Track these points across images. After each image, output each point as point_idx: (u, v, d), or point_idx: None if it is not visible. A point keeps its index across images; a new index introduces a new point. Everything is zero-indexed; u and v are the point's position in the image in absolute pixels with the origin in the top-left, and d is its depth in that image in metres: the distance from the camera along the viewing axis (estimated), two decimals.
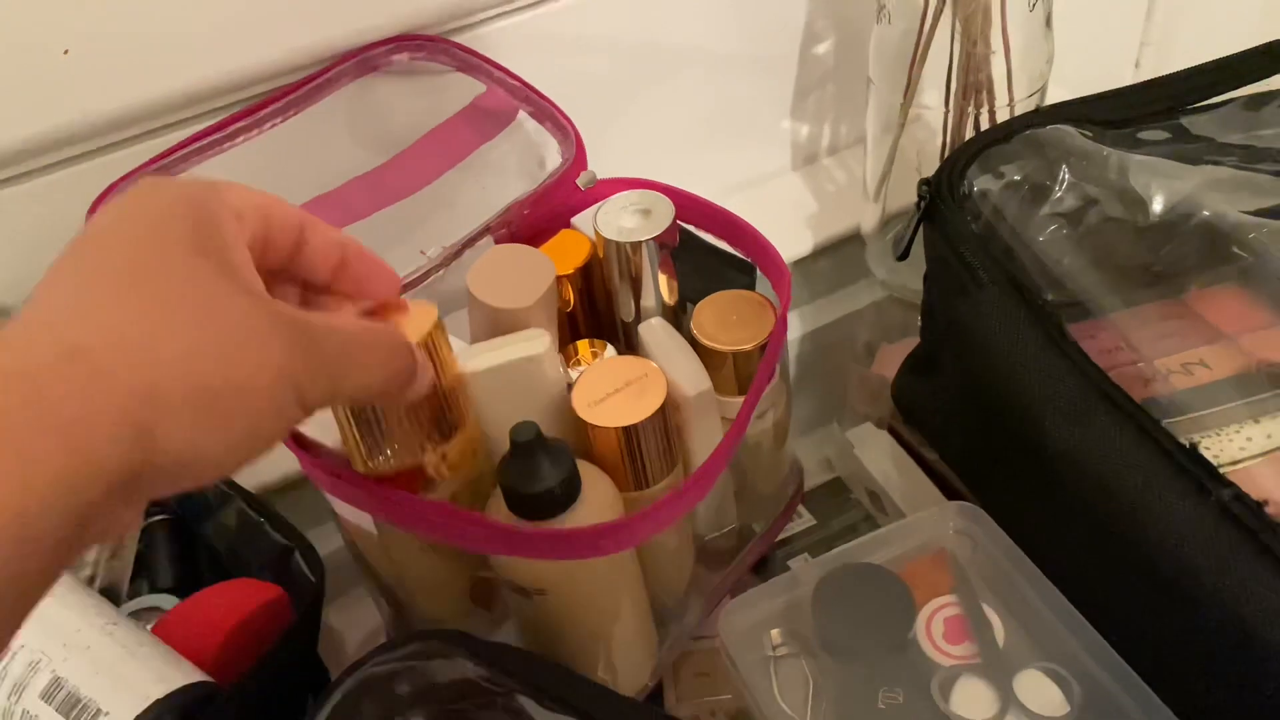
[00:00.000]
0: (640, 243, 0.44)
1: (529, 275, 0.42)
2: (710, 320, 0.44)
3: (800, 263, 0.69)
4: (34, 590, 0.23)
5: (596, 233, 0.45)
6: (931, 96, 0.58)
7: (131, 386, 0.24)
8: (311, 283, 0.33)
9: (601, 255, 0.46)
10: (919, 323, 0.56)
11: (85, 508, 0.23)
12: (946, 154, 0.59)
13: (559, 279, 0.46)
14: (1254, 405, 0.47)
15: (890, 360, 0.70)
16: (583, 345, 0.47)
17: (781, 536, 0.62)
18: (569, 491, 0.38)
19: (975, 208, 0.51)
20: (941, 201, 0.49)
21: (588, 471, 0.40)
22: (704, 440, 0.43)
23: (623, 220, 0.45)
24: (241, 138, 0.49)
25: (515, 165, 0.53)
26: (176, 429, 0.25)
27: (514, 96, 0.51)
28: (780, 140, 0.70)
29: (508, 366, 0.40)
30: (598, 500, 0.39)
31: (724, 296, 0.45)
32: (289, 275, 0.33)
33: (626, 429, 0.40)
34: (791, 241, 0.68)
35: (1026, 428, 0.45)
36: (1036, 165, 0.52)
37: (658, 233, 0.44)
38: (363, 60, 0.51)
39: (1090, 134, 0.52)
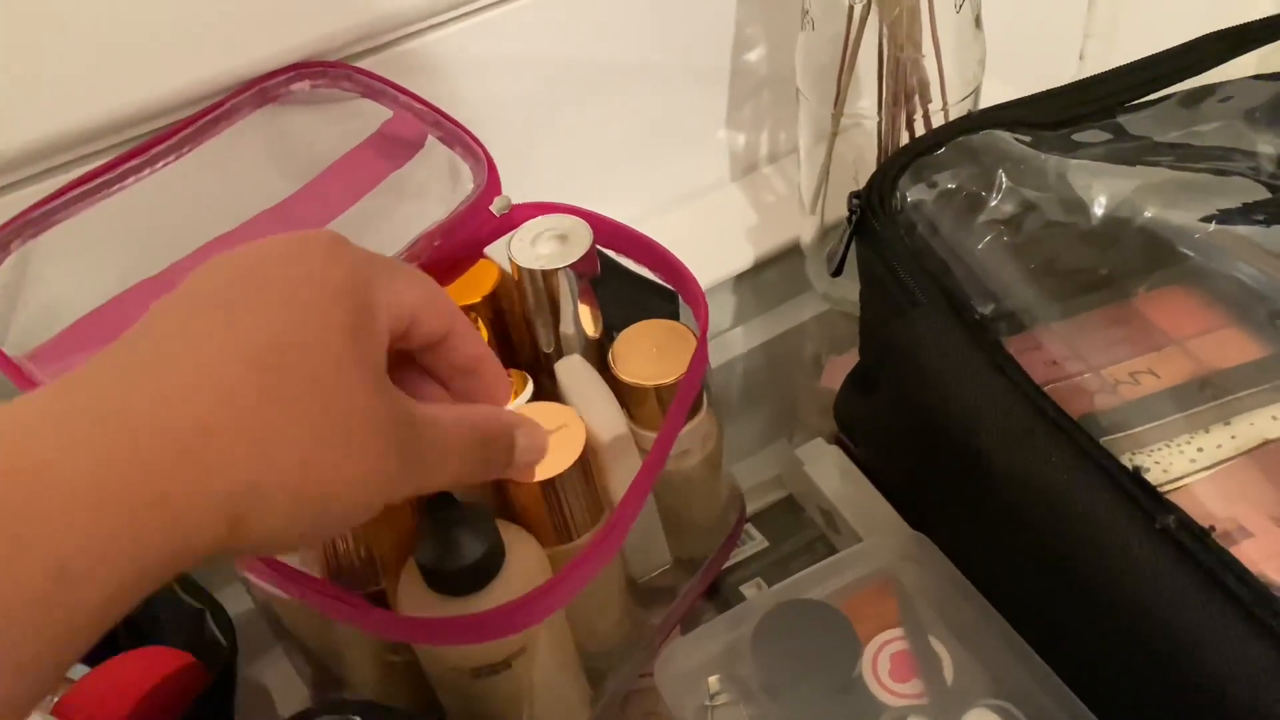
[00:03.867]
0: (556, 270, 0.42)
1: None
2: (631, 353, 0.42)
3: (743, 276, 0.67)
4: (85, 644, 0.23)
5: (511, 261, 0.42)
6: (866, 103, 0.56)
7: (241, 478, 0.24)
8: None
9: (517, 284, 0.43)
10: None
11: (165, 578, 0.24)
12: (881, 157, 0.57)
13: (467, 310, 0.43)
14: (1203, 414, 0.46)
15: (838, 373, 0.68)
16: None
17: (733, 561, 0.60)
18: (492, 563, 0.35)
19: (908, 220, 0.49)
20: (872, 215, 0.47)
21: (510, 532, 0.37)
22: (621, 476, 0.41)
23: (538, 247, 0.43)
24: (132, 178, 0.46)
25: (429, 193, 0.50)
26: (270, 520, 0.25)
27: (421, 121, 0.49)
28: (717, 151, 0.68)
29: None
30: (523, 566, 0.37)
31: (645, 327, 0.43)
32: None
33: (545, 484, 0.37)
34: (732, 255, 0.66)
35: (966, 451, 0.43)
36: (971, 172, 0.50)
37: (574, 259, 0.41)
38: (260, 91, 0.49)
39: (1024, 137, 0.50)
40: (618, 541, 0.36)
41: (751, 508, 0.65)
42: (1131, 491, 0.37)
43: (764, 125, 0.69)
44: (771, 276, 0.67)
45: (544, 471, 0.37)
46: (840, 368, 0.69)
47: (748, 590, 0.61)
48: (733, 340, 0.68)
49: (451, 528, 0.35)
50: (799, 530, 0.66)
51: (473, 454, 0.30)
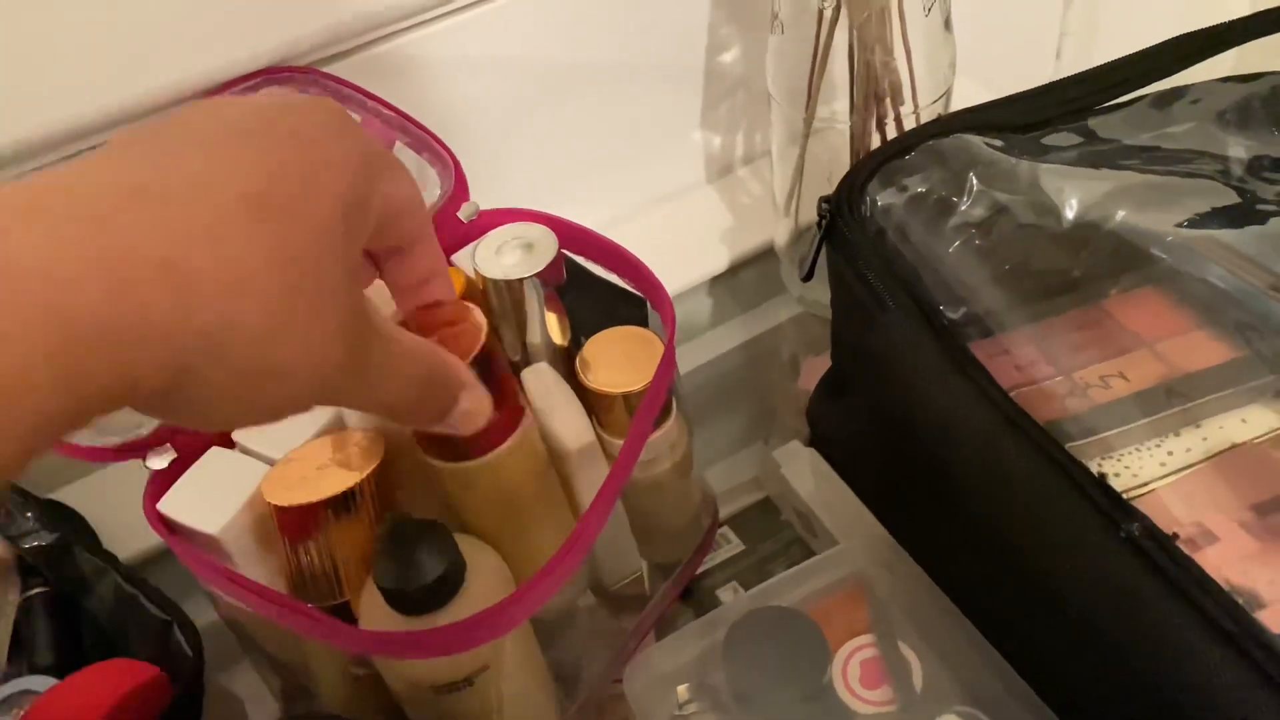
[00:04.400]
0: (522, 280, 0.41)
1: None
2: (598, 360, 0.42)
3: (720, 278, 0.67)
4: None
5: (476, 271, 0.42)
6: (840, 106, 0.56)
7: (200, 324, 0.22)
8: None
9: (483, 293, 0.43)
10: None
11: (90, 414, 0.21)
12: (854, 159, 0.57)
13: None
14: (1173, 418, 0.46)
15: (815, 375, 0.68)
16: None
17: (709, 565, 0.60)
18: (452, 580, 0.35)
19: (878, 224, 0.49)
20: (842, 220, 0.47)
21: (471, 547, 0.37)
22: (590, 486, 0.41)
23: (504, 256, 0.42)
24: None
25: None
26: (215, 379, 0.23)
27: (389, 127, 0.48)
28: (692, 153, 0.68)
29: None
30: (485, 581, 0.37)
31: (613, 334, 0.43)
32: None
33: None
34: (708, 257, 0.66)
35: (934, 458, 0.43)
36: (941, 176, 0.50)
37: (540, 268, 0.41)
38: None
39: (995, 141, 0.50)
40: (582, 552, 0.35)
41: (728, 510, 0.65)
42: (1096, 499, 0.37)
43: (739, 127, 0.68)
44: (748, 278, 0.67)
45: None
46: (817, 369, 0.69)
47: (724, 594, 0.61)
48: (709, 342, 0.68)
49: (409, 547, 0.34)
50: (776, 533, 0.66)
51: (414, 387, 0.29)
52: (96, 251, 0.21)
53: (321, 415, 0.39)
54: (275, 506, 0.35)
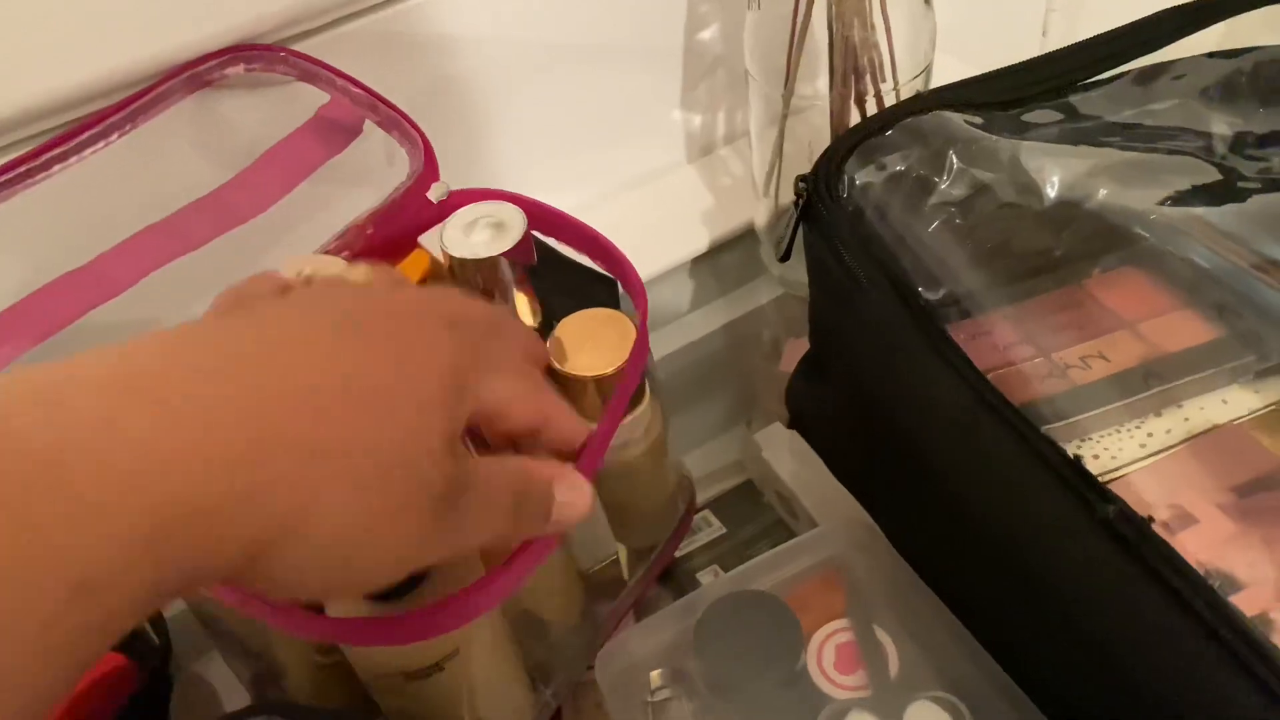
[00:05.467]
0: (490, 259, 0.41)
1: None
2: (569, 344, 0.41)
3: (701, 259, 0.66)
4: (81, 665, 0.20)
5: (443, 251, 0.41)
6: (822, 83, 0.55)
7: (283, 507, 0.22)
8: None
9: (451, 275, 0.42)
10: None
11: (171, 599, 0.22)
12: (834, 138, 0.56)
13: None
14: (1153, 399, 0.45)
15: (797, 357, 0.68)
16: None
17: (690, 548, 0.60)
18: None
19: (856, 204, 0.48)
20: (819, 200, 0.46)
21: None
22: None
23: (472, 235, 0.41)
24: (58, 166, 0.45)
25: (366, 179, 0.49)
26: (293, 559, 0.23)
27: (358, 105, 0.48)
28: (671, 133, 0.67)
29: None
30: (451, 567, 0.36)
31: (584, 317, 0.42)
32: None
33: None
34: (688, 238, 0.65)
35: (910, 441, 0.42)
36: (921, 154, 0.49)
37: (508, 247, 0.40)
38: (192, 76, 0.47)
39: (974, 118, 0.49)
40: (551, 541, 0.35)
41: (709, 493, 0.64)
42: (1072, 481, 0.36)
43: (719, 106, 0.67)
44: (729, 259, 0.66)
45: None
46: (799, 352, 0.68)
47: (704, 577, 0.60)
48: (690, 325, 0.67)
49: None
50: (757, 516, 0.65)
51: (508, 514, 0.29)
52: (198, 435, 0.21)
53: None
54: None
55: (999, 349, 0.49)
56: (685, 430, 0.60)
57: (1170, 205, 0.49)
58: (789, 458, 0.63)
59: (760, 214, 0.62)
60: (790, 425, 0.65)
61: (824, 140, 0.58)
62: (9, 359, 0.41)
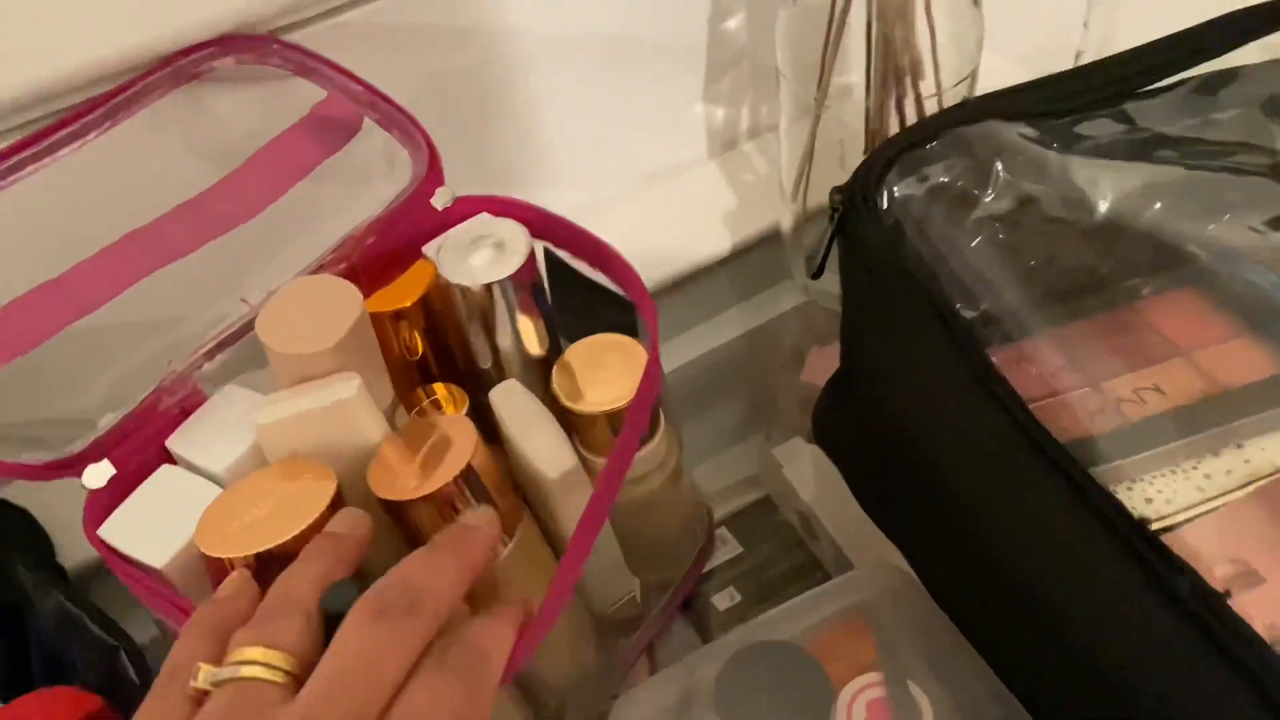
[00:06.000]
0: (490, 285, 0.37)
1: (331, 311, 0.35)
2: (576, 373, 0.38)
3: (721, 262, 0.62)
4: None
5: (442, 278, 0.38)
6: (856, 79, 0.51)
7: None
8: None
9: (450, 297, 0.39)
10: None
11: None
12: (867, 150, 0.53)
13: (391, 316, 0.39)
14: (1213, 438, 0.42)
15: (821, 366, 0.64)
16: (439, 389, 0.41)
17: (706, 568, 0.57)
18: None
19: (895, 217, 0.44)
20: (856, 214, 0.43)
21: None
22: (574, 517, 0.37)
23: (471, 257, 0.38)
24: (31, 167, 0.41)
25: (365, 184, 0.45)
26: None
27: (357, 102, 0.44)
28: (693, 127, 0.63)
29: (306, 417, 0.33)
30: None
31: (592, 344, 0.39)
32: None
33: (434, 495, 0.33)
34: (708, 240, 0.61)
35: (949, 480, 0.39)
36: (965, 165, 0.46)
37: (510, 271, 0.37)
38: (178, 68, 0.44)
39: (1026, 129, 0.45)
40: (568, 593, 0.32)
41: (725, 510, 0.61)
42: (1137, 547, 0.33)
43: (743, 100, 0.64)
44: (751, 263, 0.63)
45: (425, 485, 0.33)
46: (822, 361, 0.65)
47: (720, 600, 0.57)
48: (707, 330, 0.64)
49: None
50: (775, 534, 0.62)
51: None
52: None
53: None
54: (205, 555, 0.32)
55: (1043, 377, 0.45)
56: (698, 440, 0.57)
57: (1230, 224, 0.45)
58: (811, 476, 0.59)
59: (786, 217, 0.58)
60: (815, 443, 0.62)
61: (857, 142, 0.54)
62: None
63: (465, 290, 0.37)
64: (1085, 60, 0.77)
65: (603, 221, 0.61)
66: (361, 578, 0.32)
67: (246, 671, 0.25)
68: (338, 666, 0.26)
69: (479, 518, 0.33)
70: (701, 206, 0.63)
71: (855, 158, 0.54)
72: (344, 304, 0.35)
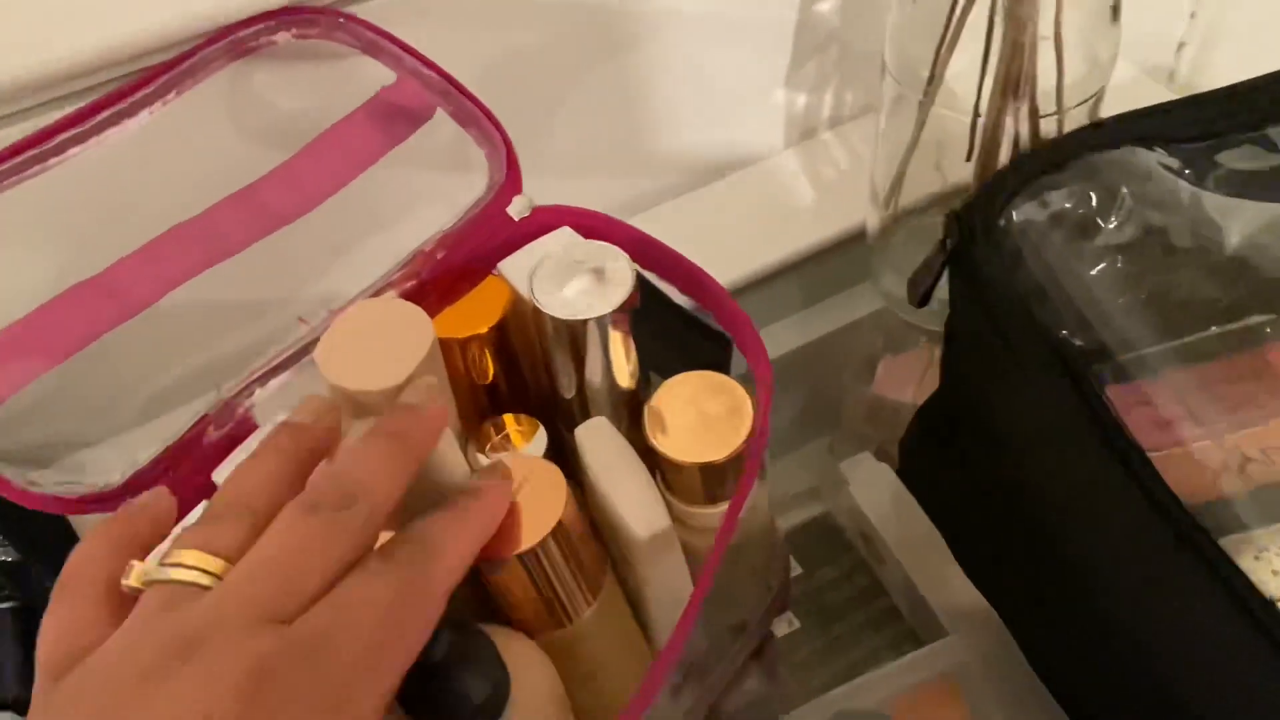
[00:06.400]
0: (588, 320, 0.33)
1: (399, 341, 0.31)
2: (669, 416, 0.34)
3: (798, 264, 0.58)
4: None
5: (534, 307, 0.34)
6: (959, 80, 0.47)
7: None
8: None
9: (536, 322, 0.35)
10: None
11: None
12: (974, 151, 0.48)
13: (467, 343, 0.36)
14: None
15: (893, 377, 0.61)
16: (508, 421, 0.37)
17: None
18: (497, 706, 0.28)
19: (1014, 246, 0.40)
20: (974, 245, 0.39)
21: (510, 645, 0.30)
22: (663, 583, 0.34)
23: (566, 286, 0.34)
24: (73, 150, 0.37)
25: (432, 185, 0.41)
26: None
27: (429, 89, 0.40)
28: (771, 113, 0.59)
29: None
30: (531, 693, 0.30)
31: (688, 382, 0.35)
32: None
33: (523, 556, 0.30)
34: (785, 240, 0.57)
35: (1063, 545, 0.36)
36: (1091, 190, 0.42)
37: (614, 307, 0.33)
38: (233, 41, 0.40)
39: (1166, 157, 0.41)
40: (661, 683, 0.28)
41: (783, 523, 0.58)
42: (1268, 626, 0.30)
43: (829, 85, 0.59)
44: (827, 265, 0.58)
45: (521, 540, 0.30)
46: (894, 372, 0.61)
47: (778, 626, 0.54)
48: (774, 333, 0.60)
49: (441, 667, 0.27)
50: (836, 556, 0.59)
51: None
52: None
53: None
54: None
55: (1162, 425, 0.42)
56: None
57: None
58: (881, 498, 0.56)
59: (873, 218, 0.54)
60: (884, 457, 0.58)
61: (957, 145, 0.50)
62: (18, 384, 0.35)
63: (558, 322, 0.33)
64: (1187, 51, 0.72)
65: (670, 215, 0.58)
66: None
67: (176, 574, 0.24)
68: (259, 556, 0.24)
69: (420, 391, 0.29)
70: (777, 202, 0.58)
71: (955, 163, 0.50)
72: (413, 333, 0.32)
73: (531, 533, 0.30)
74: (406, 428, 0.28)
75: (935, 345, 0.58)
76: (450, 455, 0.30)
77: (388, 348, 0.31)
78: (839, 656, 0.55)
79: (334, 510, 0.25)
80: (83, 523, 0.45)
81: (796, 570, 0.56)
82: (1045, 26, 0.42)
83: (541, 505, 0.30)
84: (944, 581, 0.53)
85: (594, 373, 0.35)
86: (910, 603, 0.55)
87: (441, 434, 0.29)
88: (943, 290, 0.43)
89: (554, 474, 0.31)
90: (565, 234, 0.37)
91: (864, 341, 0.61)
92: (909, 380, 0.59)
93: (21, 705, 0.41)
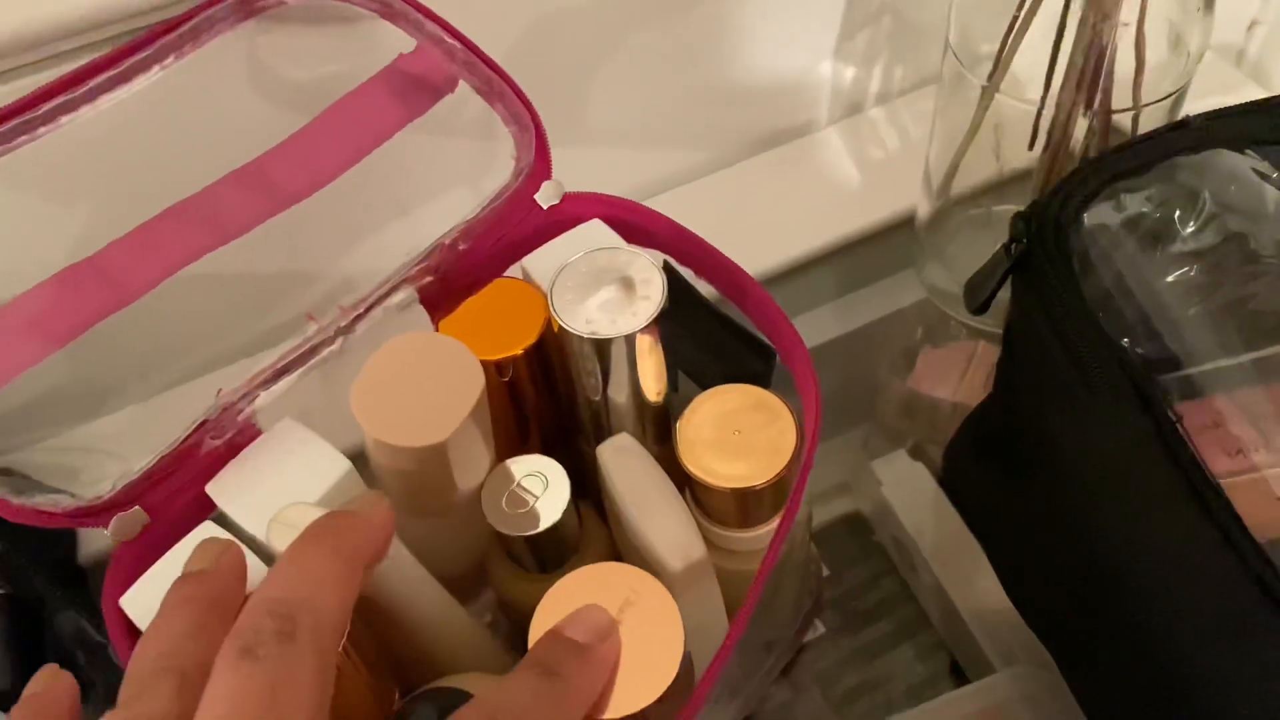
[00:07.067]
0: (613, 339, 0.30)
1: (443, 387, 0.28)
2: (706, 433, 0.31)
3: (839, 251, 0.55)
4: None
5: (555, 322, 0.31)
6: (1027, 70, 0.43)
7: None
8: None
9: (558, 338, 0.32)
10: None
11: None
12: (1038, 141, 0.45)
13: (504, 364, 0.33)
14: None
15: (932, 371, 0.58)
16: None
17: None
18: None
19: (1084, 253, 0.37)
20: (1043, 253, 0.35)
21: None
22: (694, 612, 0.31)
23: (590, 297, 0.31)
24: (64, 117, 0.34)
25: (454, 166, 0.38)
26: None
27: (452, 60, 0.36)
28: (816, 86, 0.55)
29: None
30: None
31: (726, 397, 0.32)
32: None
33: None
34: (824, 225, 0.53)
35: (1134, 596, 0.33)
36: (1170, 194, 0.38)
37: (642, 325, 0.30)
38: (241, 0, 0.36)
39: (1254, 158, 0.37)
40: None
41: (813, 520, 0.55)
42: None
43: (878, 59, 0.55)
44: (868, 249, 0.55)
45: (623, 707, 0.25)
46: (933, 366, 0.58)
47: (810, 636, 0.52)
48: (808, 321, 0.57)
49: None
50: (866, 558, 0.57)
51: None
52: None
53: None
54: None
55: (1233, 450, 0.39)
56: None
57: None
58: (916, 502, 0.53)
59: (924, 205, 0.50)
60: (920, 456, 0.55)
61: (1020, 132, 0.46)
62: (9, 374, 0.32)
63: (586, 343, 0.30)
64: (1259, 31, 0.68)
65: (702, 193, 0.54)
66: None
67: None
68: None
69: (362, 501, 0.26)
70: (818, 181, 0.55)
71: (1016, 150, 0.46)
72: (459, 378, 0.29)
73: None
74: (344, 532, 0.24)
75: (979, 341, 0.55)
76: None
77: (429, 395, 0.28)
78: (865, 664, 0.53)
79: (276, 645, 0.21)
80: None
81: (824, 572, 0.54)
82: (1128, 12, 0.39)
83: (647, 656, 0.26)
84: (980, 595, 0.50)
85: (619, 390, 0.32)
86: (942, 611, 0.52)
87: (389, 541, 0.25)
88: None
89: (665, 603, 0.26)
90: (596, 227, 0.34)
91: (903, 333, 0.57)
92: (949, 376, 0.56)
93: (10, 697, 0.39)
